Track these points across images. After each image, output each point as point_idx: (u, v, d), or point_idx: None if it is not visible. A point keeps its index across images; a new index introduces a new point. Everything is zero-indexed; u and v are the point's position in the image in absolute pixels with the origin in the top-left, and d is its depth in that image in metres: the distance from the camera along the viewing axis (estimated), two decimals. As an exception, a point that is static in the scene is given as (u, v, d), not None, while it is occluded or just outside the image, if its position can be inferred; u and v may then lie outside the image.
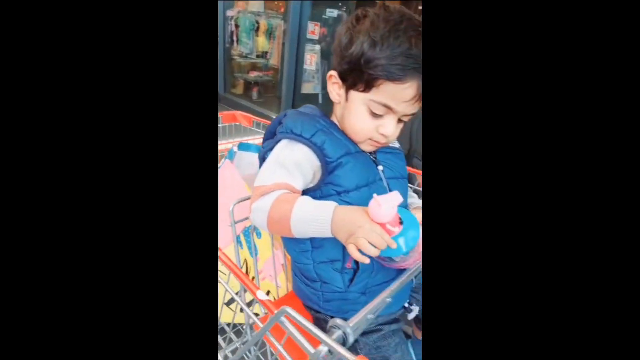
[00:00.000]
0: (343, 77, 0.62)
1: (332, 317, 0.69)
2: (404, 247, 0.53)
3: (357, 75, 0.58)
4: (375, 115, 0.60)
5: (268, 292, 0.91)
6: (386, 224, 0.51)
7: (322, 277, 0.67)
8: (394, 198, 0.50)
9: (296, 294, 0.76)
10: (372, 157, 0.69)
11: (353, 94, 0.61)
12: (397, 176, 0.71)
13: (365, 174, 0.64)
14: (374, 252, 0.51)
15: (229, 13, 4.31)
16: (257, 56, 4.46)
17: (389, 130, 0.61)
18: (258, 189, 0.61)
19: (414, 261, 0.55)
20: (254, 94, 4.47)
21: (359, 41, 0.57)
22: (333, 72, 0.64)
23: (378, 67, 0.55)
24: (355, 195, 0.62)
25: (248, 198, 0.69)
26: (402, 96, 0.57)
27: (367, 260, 0.51)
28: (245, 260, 0.93)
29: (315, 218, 0.54)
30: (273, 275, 0.90)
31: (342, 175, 0.62)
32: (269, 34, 4.21)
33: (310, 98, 3.67)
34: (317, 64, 3.58)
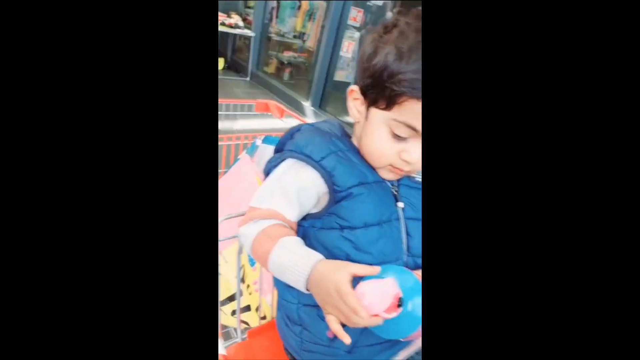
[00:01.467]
0: (365, 92, 0.53)
1: None
2: (399, 334, 0.43)
3: (379, 91, 0.50)
4: (397, 137, 0.51)
5: (257, 308, 0.85)
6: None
7: (304, 322, 0.58)
8: (386, 289, 0.40)
9: (278, 329, 0.67)
10: (393, 191, 0.58)
11: (374, 112, 0.53)
12: (419, 218, 0.59)
13: (378, 210, 0.54)
14: (343, 336, 0.42)
15: (272, -12, 4.23)
16: (294, 36, 4.38)
17: (414, 156, 0.51)
18: (251, 210, 0.54)
19: (418, 334, 0.45)
20: (286, 74, 4.40)
21: (383, 52, 0.49)
22: (354, 87, 0.55)
23: (403, 82, 0.47)
24: (362, 234, 0.53)
25: (241, 214, 0.61)
26: None
27: (346, 340, 0.43)
28: (243, 265, 0.88)
29: (292, 269, 0.46)
30: (268, 289, 0.83)
31: (349, 208, 0.53)
32: (310, 14, 4.10)
33: (342, 86, 3.57)
34: (354, 52, 3.48)
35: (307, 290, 0.46)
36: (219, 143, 1.33)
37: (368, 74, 0.51)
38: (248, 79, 4.57)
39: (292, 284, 0.47)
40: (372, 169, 0.56)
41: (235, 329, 0.66)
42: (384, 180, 0.57)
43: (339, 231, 0.53)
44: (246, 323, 0.87)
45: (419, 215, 0.59)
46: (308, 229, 0.56)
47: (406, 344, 0.44)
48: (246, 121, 1.47)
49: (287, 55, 4.47)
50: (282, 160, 0.56)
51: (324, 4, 3.77)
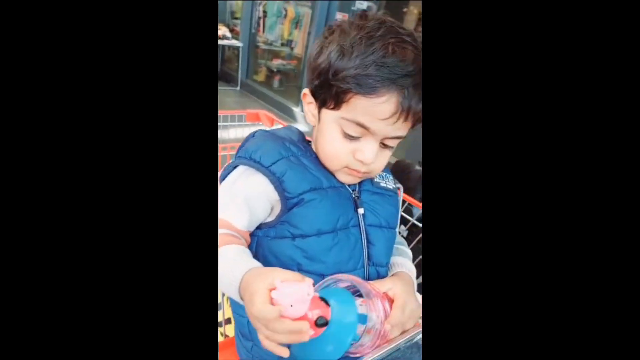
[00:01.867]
0: (315, 94, 0.52)
1: None
2: (327, 354, 0.39)
3: (327, 90, 0.49)
4: (349, 137, 0.50)
5: (229, 320, 0.84)
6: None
7: (254, 337, 0.55)
8: (298, 291, 0.35)
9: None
10: (353, 196, 0.55)
11: (325, 113, 0.51)
12: (382, 225, 0.57)
13: (333, 217, 0.51)
14: (272, 348, 0.38)
15: (258, -2, 4.27)
16: (282, 44, 4.42)
17: (367, 155, 0.50)
18: None
19: (372, 346, 0.42)
20: (276, 82, 4.42)
21: (327, 51, 0.48)
22: (306, 90, 0.54)
23: (347, 79, 0.46)
24: (314, 242, 0.50)
25: None
26: (377, 113, 0.46)
27: (283, 354, 0.38)
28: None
29: (226, 279, 0.43)
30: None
31: (301, 215, 0.50)
32: (296, 22, 4.15)
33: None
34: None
35: (242, 301, 0.42)
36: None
37: (316, 74, 0.50)
38: (238, 88, 4.59)
39: (229, 295, 0.44)
40: (330, 174, 0.54)
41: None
42: (342, 185, 0.55)
43: (290, 240, 0.51)
44: (227, 336, 0.85)
45: (382, 221, 0.56)
46: (262, 238, 0.54)
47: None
48: (238, 130, 1.50)
49: (276, 63, 4.50)
50: (234, 168, 0.55)
51: (309, 10, 3.82)
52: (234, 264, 0.43)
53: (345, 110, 0.48)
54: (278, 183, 0.50)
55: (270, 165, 0.51)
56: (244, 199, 0.51)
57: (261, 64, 4.66)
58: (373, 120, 0.47)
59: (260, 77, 4.64)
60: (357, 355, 0.42)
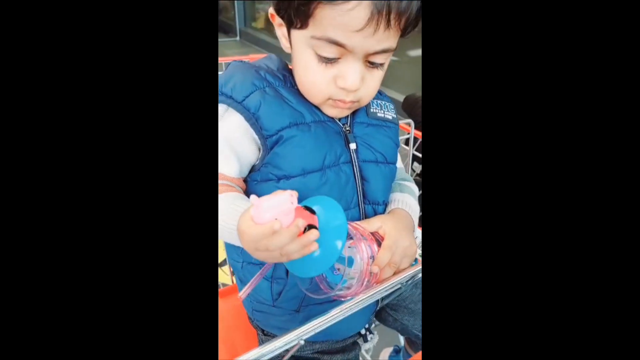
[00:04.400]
0: (279, 12, 0.44)
1: (262, 330, 0.59)
2: (307, 270, 0.38)
3: (289, 4, 0.41)
4: (326, 60, 0.42)
5: (233, 272, 0.84)
6: None
7: (248, 281, 0.57)
8: (281, 203, 0.34)
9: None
10: (344, 130, 0.50)
11: (294, 35, 0.44)
12: (378, 160, 0.52)
13: (319, 154, 0.46)
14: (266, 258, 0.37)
15: None
16: (279, -16, 4.11)
17: (351, 80, 0.43)
18: None
19: (358, 290, 0.40)
20: (276, 27, 4.20)
21: None
22: (272, 9, 0.46)
23: None
24: (300, 183, 0.46)
25: None
26: (349, 23, 0.38)
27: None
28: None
29: (224, 226, 0.41)
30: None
31: (281, 155, 0.46)
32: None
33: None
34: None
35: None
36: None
37: None
38: (238, 38, 4.39)
39: (231, 242, 0.43)
40: (315, 107, 0.48)
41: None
42: (331, 119, 0.49)
43: (275, 182, 0.47)
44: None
45: (378, 157, 0.51)
46: (249, 183, 0.50)
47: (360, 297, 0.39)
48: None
49: (274, 6, 4.24)
50: None
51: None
52: (229, 212, 0.41)
53: (314, 27, 0.41)
54: (254, 120, 0.45)
55: (243, 100, 0.45)
56: (227, 144, 0.47)
57: (259, 10, 4.39)
58: (347, 33, 0.39)
59: (259, 23, 4.39)
60: (347, 297, 0.40)
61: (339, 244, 0.37)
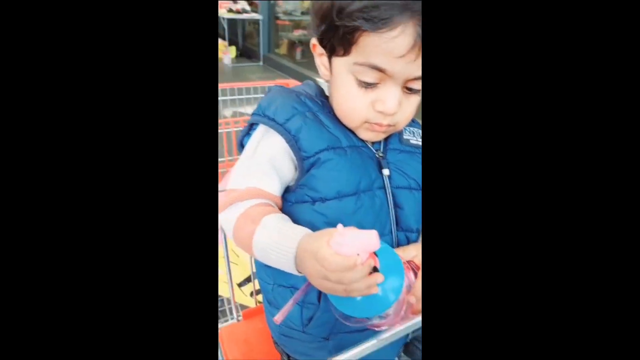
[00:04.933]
0: (323, 42, 0.46)
1: (288, 355, 0.57)
2: (359, 311, 0.37)
3: (334, 34, 0.43)
4: (366, 85, 0.44)
5: (252, 294, 0.84)
6: None
7: (279, 304, 0.53)
8: (363, 241, 0.34)
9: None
10: (377, 156, 0.50)
11: (335, 62, 0.46)
12: (412, 186, 0.51)
13: (354, 178, 0.47)
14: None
15: (275, -34, 4.12)
16: (302, 13, 4.28)
17: (390, 104, 0.44)
18: (229, 193, 0.48)
19: (395, 320, 0.39)
20: (298, 54, 4.33)
21: None
22: (314, 40, 0.48)
23: (353, 15, 0.40)
24: (335, 206, 0.46)
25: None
26: (392, 50, 0.40)
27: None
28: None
29: (278, 251, 0.40)
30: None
31: (319, 177, 0.46)
32: (315, -12, 3.98)
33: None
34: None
35: (299, 272, 0.40)
36: (236, 127, 1.36)
37: (320, 18, 0.45)
38: (261, 63, 4.55)
39: (282, 268, 0.42)
40: (350, 132, 0.50)
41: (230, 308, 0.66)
42: (364, 144, 0.50)
43: (310, 204, 0.47)
44: (261, 302, 0.88)
45: (411, 183, 0.51)
46: (282, 204, 0.50)
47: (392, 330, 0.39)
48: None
49: (297, 34, 4.38)
50: (251, 127, 0.51)
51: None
52: (283, 235, 0.41)
53: (357, 54, 0.42)
54: (294, 142, 0.46)
55: (285, 122, 0.47)
56: (269, 161, 0.47)
57: (282, 37, 4.56)
58: (389, 59, 0.41)
59: (283, 49, 4.55)
60: (382, 328, 0.40)
61: (395, 294, 0.38)
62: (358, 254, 0.34)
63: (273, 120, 0.47)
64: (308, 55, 4.32)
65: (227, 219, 0.47)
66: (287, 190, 0.50)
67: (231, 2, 4.52)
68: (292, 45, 4.44)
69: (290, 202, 0.49)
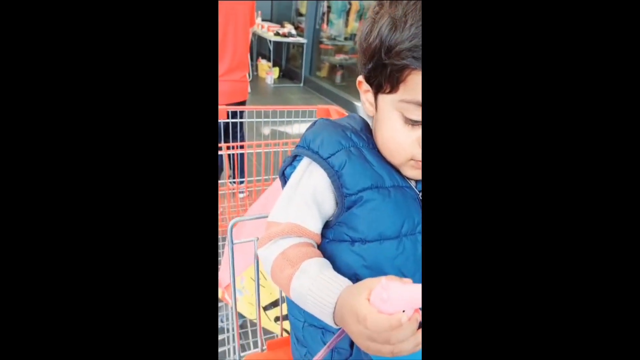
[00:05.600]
0: (369, 79, 0.46)
1: None
2: None
3: (381, 72, 0.43)
4: (412, 122, 0.43)
5: (277, 319, 0.83)
6: None
7: (308, 344, 0.52)
8: (408, 296, 0.32)
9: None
10: (420, 198, 0.48)
11: (381, 99, 0.46)
12: None
13: (397, 220, 0.45)
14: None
15: (322, -6, 4.30)
16: (345, 39, 4.40)
17: None
18: (270, 226, 0.48)
19: None
20: (338, 77, 4.43)
21: (377, 26, 0.43)
22: (361, 77, 0.48)
23: (402, 54, 0.40)
24: (376, 250, 0.45)
25: (263, 216, 0.55)
26: None
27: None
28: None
29: (315, 302, 0.40)
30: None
31: (360, 216, 0.45)
32: (360, 15, 4.09)
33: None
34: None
35: (337, 325, 0.39)
36: (278, 148, 1.40)
37: (368, 56, 0.45)
38: (301, 84, 4.69)
39: (319, 317, 0.41)
40: (394, 171, 0.48)
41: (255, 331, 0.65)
42: (408, 185, 0.49)
43: (349, 244, 0.46)
44: (287, 331, 0.85)
45: None
46: (321, 241, 0.50)
47: None
48: (302, 126, 1.53)
49: (338, 58, 4.50)
50: (294, 160, 0.52)
51: (374, 3, 3.75)
52: (319, 287, 0.40)
53: (404, 91, 0.43)
54: (336, 177, 0.46)
55: (329, 157, 0.46)
56: (311, 195, 0.47)
57: (324, 60, 4.69)
58: None
59: (323, 72, 4.68)
60: None
61: None
62: (403, 311, 0.32)
63: (317, 153, 0.47)
64: (347, 79, 4.41)
65: (265, 257, 0.47)
66: (326, 226, 0.49)
67: (278, 26, 4.75)
68: (332, 68, 4.55)
69: (328, 239, 0.48)
